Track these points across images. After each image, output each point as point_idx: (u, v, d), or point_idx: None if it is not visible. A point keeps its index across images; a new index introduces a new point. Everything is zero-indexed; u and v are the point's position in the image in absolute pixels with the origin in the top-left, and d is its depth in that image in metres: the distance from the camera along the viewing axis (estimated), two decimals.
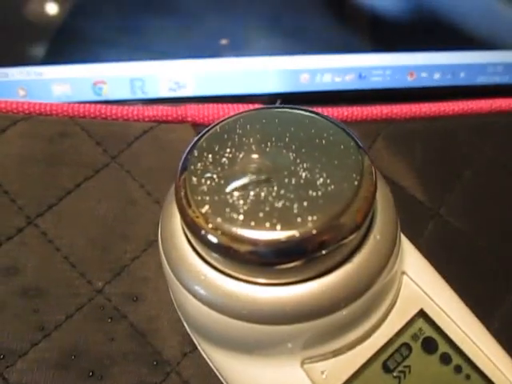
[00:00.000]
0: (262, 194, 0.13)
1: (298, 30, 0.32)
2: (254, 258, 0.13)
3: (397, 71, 0.33)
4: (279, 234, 0.12)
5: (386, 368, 0.15)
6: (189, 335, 0.19)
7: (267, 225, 0.13)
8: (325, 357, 0.15)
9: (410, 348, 0.16)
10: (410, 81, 0.33)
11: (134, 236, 0.23)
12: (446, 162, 0.27)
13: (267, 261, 0.13)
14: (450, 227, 0.25)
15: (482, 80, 0.34)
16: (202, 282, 0.14)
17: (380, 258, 0.14)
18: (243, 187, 0.14)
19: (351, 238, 0.13)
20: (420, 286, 0.16)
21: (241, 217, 0.13)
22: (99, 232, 0.22)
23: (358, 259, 0.14)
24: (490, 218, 0.25)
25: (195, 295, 0.14)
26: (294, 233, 0.12)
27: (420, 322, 0.16)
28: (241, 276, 0.13)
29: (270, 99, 0.31)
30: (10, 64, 0.28)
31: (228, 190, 0.14)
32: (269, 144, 0.15)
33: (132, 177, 0.24)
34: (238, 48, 0.31)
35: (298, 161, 0.14)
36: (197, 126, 0.26)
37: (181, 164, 0.15)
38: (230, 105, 0.26)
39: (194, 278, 0.14)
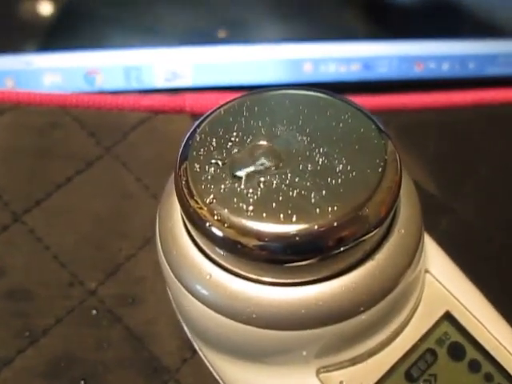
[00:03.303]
0: (274, 182, 0.12)
1: (301, 16, 0.31)
2: (265, 254, 0.11)
3: (403, 61, 0.31)
4: (295, 227, 0.11)
5: (410, 377, 0.14)
6: (189, 340, 0.17)
7: (281, 216, 0.11)
8: (342, 365, 0.13)
9: (435, 354, 0.14)
10: (417, 71, 0.31)
11: (130, 233, 0.21)
12: (459, 154, 0.26)
13: (281, 257, 0.11)
14: (464, 222, 0.24)
15: (491, 71, 0.32)
16: (205, 281, 0.12)
17: (405, 255, 0.13)
18: (252, 174, 0.12)
19: (375, 231, 0.12)
20: (445, 286, 0.15)
21: (251, 207, 0.11)
22: (92, 229, 0.21)
23: (380, 256, 0.12)
24: (505, 212, 0.24)
25: (198, 297, 0.13)
26: (313, 225, 0.11)
27: (445, 326, 0.14)
28: (250, 275, 0.12)
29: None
30: None
31: (235, 177, 0.12)
32: (280, 127, 0.13)
33: (127, 170, 0.23)
34: (237, 36, 0.30)
35: (314, 145, 0.13)
36: (195, 117, 0.24)
37: (181, 150, 0.13)
38: (231, 94, 0.25)
39: (196, 277, 0.12)
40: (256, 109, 0.14)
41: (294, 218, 0.11)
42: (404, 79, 0.31)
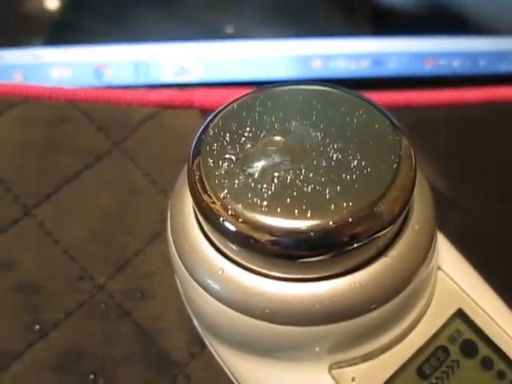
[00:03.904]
0: (288, 178, 0.12)
1: (310, 12, 0.31)
2: (280, 249, 0.11)
3: (414, 58, 0.31)
4: (310, 223, 0.11)
5: (422, 374, 0.14)
6: (198, 334, 0.17)
7: (296, 212, 0.11)
8: (355, 361, 0.13)
9: (447, 351, 0.14)
10: (427, 68, 0.31)
11: (138, 228, 0.21)
12: (470, 152, 0.25)
13: (295, 253, 0.11)
14: (474, 220, 0.24)
15: (503, 68, 0.32)
16: (218, 276, 0.12)
17: (418, 252, 0.13)
18: (266, 170, 0.12)
19: (390, 228, 0.11)
20: (457, 283, 0.15)
21: (265, 202, 0.11)
22: (101, 224, 0.21)
23: (394, 253, 0.12)
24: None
25: (210, 292, 0.13)
26: (327, 221, 0.11)
27: (457, 323, 0.14)
28: (263, 270, 0.12)
29: None
30: (6, 46, 0.27)
31: (249, 172, 0.12)
32: (293, 122, 0.13)
33: (136, 165, 0.23)
34: (247, 31, 0.30)
35: (328, 141, 0.12)
36: (204, 112, 0.24)
37: (194, 144, 0.13)
38: (240, 89, 0.25)
39: (209, 272, 0.12)
40: (269, 104, 0.14)
41: (309, 214, 0.11)
42: (414, 76, 0.31)
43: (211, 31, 0.29)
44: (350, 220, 0.11)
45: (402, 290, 0.12)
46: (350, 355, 0.13)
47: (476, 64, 0.32)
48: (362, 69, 0.31)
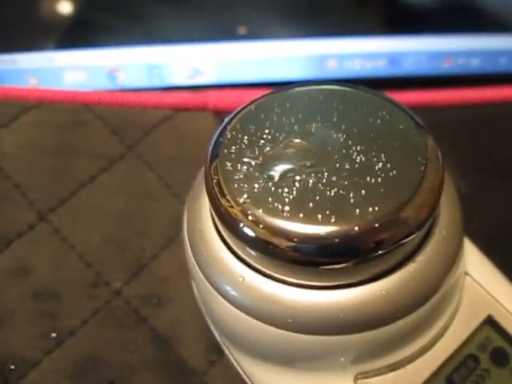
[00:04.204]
0: (310, 181, 0.11)
1: (324, 11, 0.30)
2: (303, 256, 0.11)
3: (432, 57, 0.30)
4: (334, 228, 0.10)
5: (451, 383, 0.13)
6: (216, 341, 0.17)
7: (319, 217, 0.11)
8: (381, 371, 0.13)
9: (477, 360, 0.13)
10: (446, 67, 0.31)
11: (153, 232, 0.21)
12: (492, 152, 0.25)
13: (319, 260, 0.11)
14: (497, 222, 0.23)
15: None
16: (238, 284, 0.12)
17: (447, 257, 0.12)
18: (287, 173, 0.11)
19: (419, 232, 0.11)
20: (485, 289, 0.14)
21: (286, 207, 0.11)
22: (116, 228, 0.21)
23: (421, 258, 0.12)
24: None
25: (230, 299, 0.12)
26: (353, 227, 0.10)
27: (487, 330, 0.14)
28: (285, 278, 0.11)
29: None
30: (20, 50, 0.27)
31: (269, 176, 0.11)
32: (314, 124, 0.13)
33: (150, 168, 0.22)
34: (260, 32, 0.29)
35: (350, 143, 0.12)
36: (219, 114, 0.24)
37: (211, 147, 0.13)
38: (255, 91, 0.24)
39: (228, 279, 0.12)
40: (288, 105, 0.13)
41: (333, 219, 0.10)
42: (432, 75, 0.30)
43: (224, 32, 0.29)
44: (377, 225, 0.10)
45: (430, 297, 0.12)
46: (376, 365, 0.12)
47: (495, 63, 0.31)
48: (378, 68, 0.30)
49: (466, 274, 0.14)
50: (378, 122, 0.12)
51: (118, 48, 0.27)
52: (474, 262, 0.15)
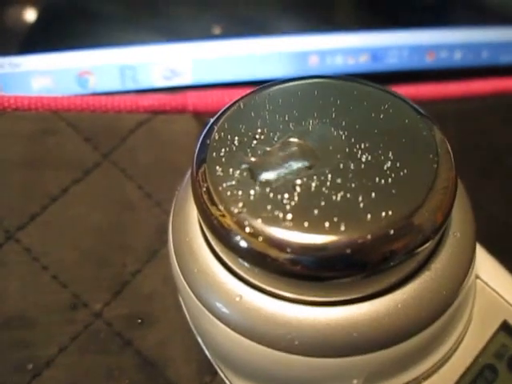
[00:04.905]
0: (313, 185, 0.10)
1: (305, 6, 0.29)
2: (311, 270, 0.09)
3: (414, 51, 0.30)
4: (345, 237, 0.09)
5: None
6: (207, 361, 0.15)
7: (327, 225, 0.09)
8: None
9: (495, 370, 0.12)
10: (429, 61, 0.30)
11: (135, 246, 0.19)
12: (482, 146, 0.24)
13: (331, 273, 0.09)
14: (490, 215, 0.22)
15: (505, 59, 0.31)
16: (235, 304, 0.11)
17: (462, 261, 0.11)
18: (285, 177, 0.10)
19: (435, 237, 0.10)
20: (498, 292, 0.13)
21: (289, 216, 0.09)
22: (93, 244, 0.19)
23: (437, 265, 0.11)
24: None
25: (226, 322, 0.11)
26: (366, 234, 0.09)
27: (502, 337, 0.13)
28: (291, 295, 0.10)
29: None
30: None
31: (265, 181, 0.10)
32: (311, 121, 0.11)
33: (128, 177, 0.21)
34: (238, 29, 0.28)
35: (353, 140, 0.11)
36: (200, 116, 0.23)
37: (197, 151, 0.11)
38: (237, 90, 0.23)
39: (224, 299, 0.11)
40: (280, 101, 0.12)
41: (343, 227, 0.09)
42: (415, 69, 0.30)
43: (200, 30, 0.27)
44: (392, 232, 0.09)
45: (448, 306, 0.11)
46: None
47: (478, 56, 0.30)
48: (361, 64, 0.29)
49: (477, 277, 0.13)
50: (381, 116, 0.11)
51: (87, 50, 0.26)
52: (483, 264, 0.14)
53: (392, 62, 0.29)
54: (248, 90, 0.24)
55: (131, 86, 0.26)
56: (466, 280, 0.11)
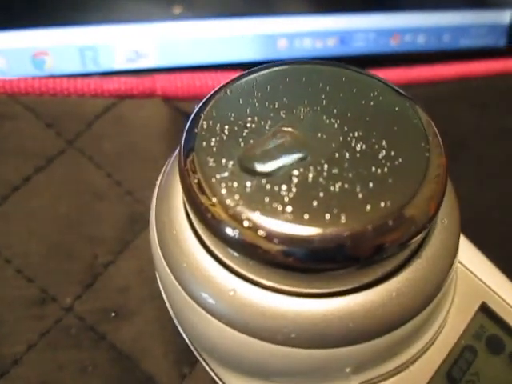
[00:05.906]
0: (310, 175, 0.10)
1: None
2: (311, 262, 0.09)
3: (380, 35, 0.30)
4: (347, 229, 0.09)
5: (452, 379, 0.12)
6: (186, 352, 0.15)
7: (327, 217, 0.09)
8: (385, 376, 0.12)
9: (474, 351, 0.13)
10: (393, 45, 0.30)
11: (106, 237, 0.19)
12: (450, 131, 0.25)
13: (329, 265, 0.09)
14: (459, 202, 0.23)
15: (465, 43, 0.32)
16: (229, 298, 0.10)
17: (450, 247, 0.11)
18: (281, 167, 0.10)
19: (429, 225, 0.10)
20: (477, 275, 0.14)
21: (288, 208, 0.09)
22: (60, 235, 0.18)
23: (427, 252, 0.11)
24: (503, 186, 0.23)
25: (219, 317, 0.11)
26: (367, 225, 0.09)
27: (480, 318, 0.13)
28: (288, 288, 0.10)
29: (244, 69, 0.28)
30: None
31: (260, 172, 0.10)
32: (301, 109, 0.11)
33: (95, 164, 0.20)
34: (204, 10, 0.27)
35: (346, 129, 0.11)
36: (169, 100, 0.22)
37: (184, 140, 0.11)
38: (208, 74, 0.22)
39: (217, 293, 0.10)
40: (269, 88, 0.12)
41: (343, 218, 0.09)
42: (381, 53, 0.30)
43: (166, 10, 0.26)
44: (392, 222, 0.09)
45: (438, 291, 0.11)
46: (382, 371, 0.11)
47: (440, 40, 0.31)
48: (329, 48, 0.29)
49: (459, 262, 0.14)
50: (372, 103, 0.11)
51: (43, 29, 0.24)
52: (463, 249, 0.14)
53: (359, 46, 0.29)
54: (220, 74, 0.24)
55: (92, 68, 0.25)
56: (453, 265, 0.11)
